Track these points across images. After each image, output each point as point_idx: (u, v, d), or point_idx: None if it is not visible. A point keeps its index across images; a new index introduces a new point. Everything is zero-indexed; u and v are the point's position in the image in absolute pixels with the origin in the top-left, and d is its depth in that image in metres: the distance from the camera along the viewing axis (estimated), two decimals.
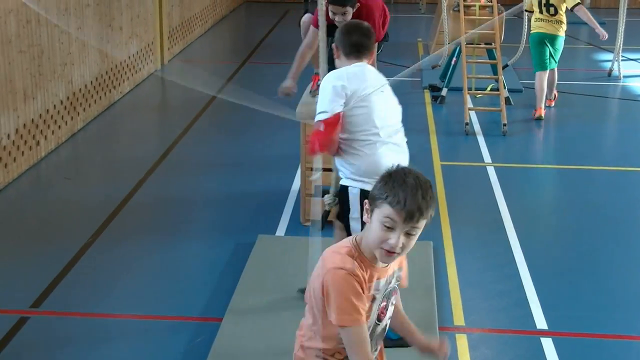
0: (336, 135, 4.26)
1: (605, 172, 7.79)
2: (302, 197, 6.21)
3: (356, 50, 4.30)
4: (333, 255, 2.56)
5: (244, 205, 6.71)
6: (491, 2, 9.78)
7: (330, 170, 4.68)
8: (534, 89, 9.46)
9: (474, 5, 9.83)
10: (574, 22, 15.41)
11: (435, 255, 5.62)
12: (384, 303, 2.66)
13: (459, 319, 4.95)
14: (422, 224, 2.46)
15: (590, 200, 7.04)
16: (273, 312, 4.80)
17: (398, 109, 4.39)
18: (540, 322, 4.92)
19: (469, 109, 9.09)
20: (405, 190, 2.43)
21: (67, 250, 5.79)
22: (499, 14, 9.58)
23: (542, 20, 9.13)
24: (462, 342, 4.68)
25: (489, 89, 10.01)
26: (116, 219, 6.38)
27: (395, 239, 2.44)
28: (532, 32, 9.31)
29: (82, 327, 4.86)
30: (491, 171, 7.58)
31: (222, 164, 7.78)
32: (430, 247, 5.67)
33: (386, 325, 2.74)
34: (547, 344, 4.68)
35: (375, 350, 2.73)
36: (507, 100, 9.46)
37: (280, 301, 4.91)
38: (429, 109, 9.68)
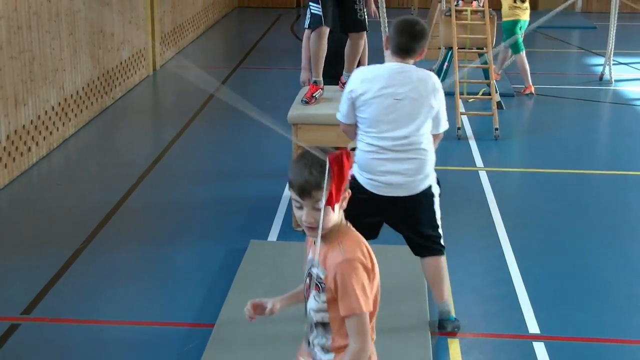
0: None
1: (597, 176, 7.80)
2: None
3: (403, 52, 4.44)
4: None
5: (236, 210, 6.70)
6: (483, 7, 9.81)
7: None
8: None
9: (466, 10, 9.86)
10: (565, 26, 15.52)
11: None
12: (308, 280, 2.77)
13: None
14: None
15: (582, 204, 7.05)
16: (265, 318, 4.78)
17: (420, 118, 4.36)
18: (533, 327, 4.91)
19: (461, 114, 9.10)
20: (294, 171, 2.59)
21: (59, 256, 5.77)
22: (490, 18, 9.63)
23: (517, 8, 10.34)
24: (455, 346, 4.68)
25: (480, 93, 10.02)
26: (108, 225, 6.36)
27: (305, 215, 2.61)
28: (507, 19, 10.39)
29: (74, 334, 4.84)
30: (483, 175, 7.58)
31: (214, 169, 7.77)
32: None
33: (310, 313, 2.77)
34: (540, 348, 4.67)
35: (313, 339, 2.77)
36: (499, 104, 9.48)
37: None
38: None
